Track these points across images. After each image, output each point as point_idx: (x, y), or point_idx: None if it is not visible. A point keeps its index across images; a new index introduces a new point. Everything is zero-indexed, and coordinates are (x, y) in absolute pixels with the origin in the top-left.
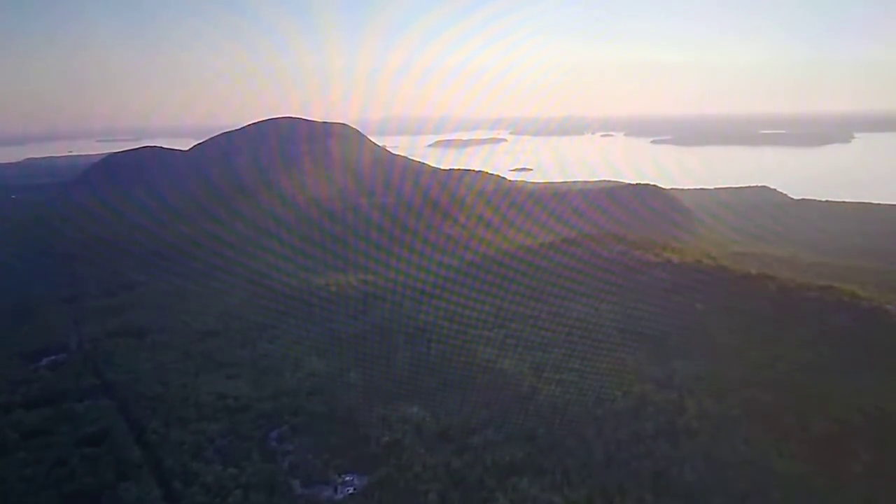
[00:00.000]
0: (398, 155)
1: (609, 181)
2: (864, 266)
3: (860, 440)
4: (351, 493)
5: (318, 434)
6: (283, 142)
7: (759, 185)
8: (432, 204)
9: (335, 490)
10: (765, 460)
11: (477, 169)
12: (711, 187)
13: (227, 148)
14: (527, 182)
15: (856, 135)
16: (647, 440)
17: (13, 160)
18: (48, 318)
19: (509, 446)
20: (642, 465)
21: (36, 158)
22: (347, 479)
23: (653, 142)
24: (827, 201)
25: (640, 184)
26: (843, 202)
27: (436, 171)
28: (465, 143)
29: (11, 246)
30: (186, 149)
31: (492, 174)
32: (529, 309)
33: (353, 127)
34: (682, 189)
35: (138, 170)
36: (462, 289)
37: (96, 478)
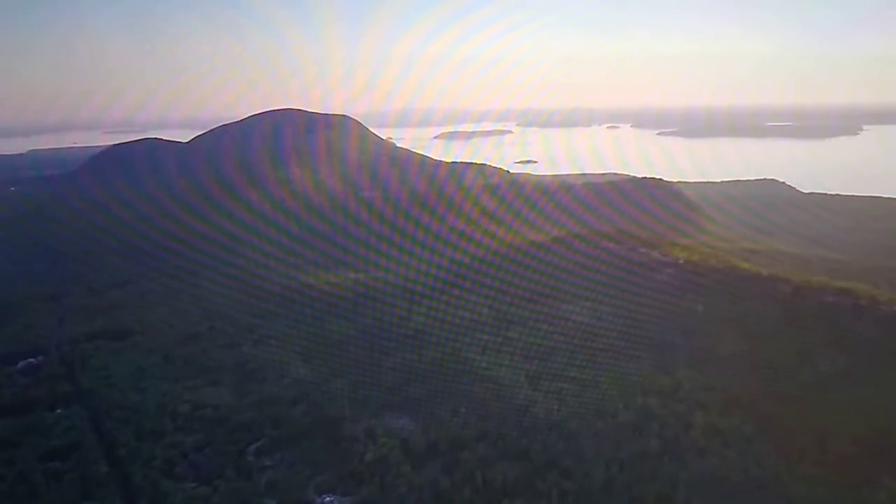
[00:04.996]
0: (401, 147)
1: (614, 174)
2: (877, 263)
3: (884, 464)
4: None
5: (299, 448)
6: (284, 134)
7: (767, 178)
8: (433, 198)
9: None
10: (779, 484)
11: (481, 161)
12: (718, 180)
13: (226, 140)
14: (531, 175)
15: (864, 127)
16: (651, 459)
17: (17, 151)
18: (30, 318)
19: (502, 464)
20: (646, 488)
21: (40, 150)
22: (328, 499)
23: (659, 133)
24: (836, 195)
25: (645, 177)
26: (853, 196)
27: (438, 163)
28: (471, 135)
29: (1, 241)
30: (187, 141)
31: (495, 167)
32: (528, 312)
33: (356, 119)
34: (689, 182)
35: (135, 163)
36: (458, 289)
37: (59, 496)
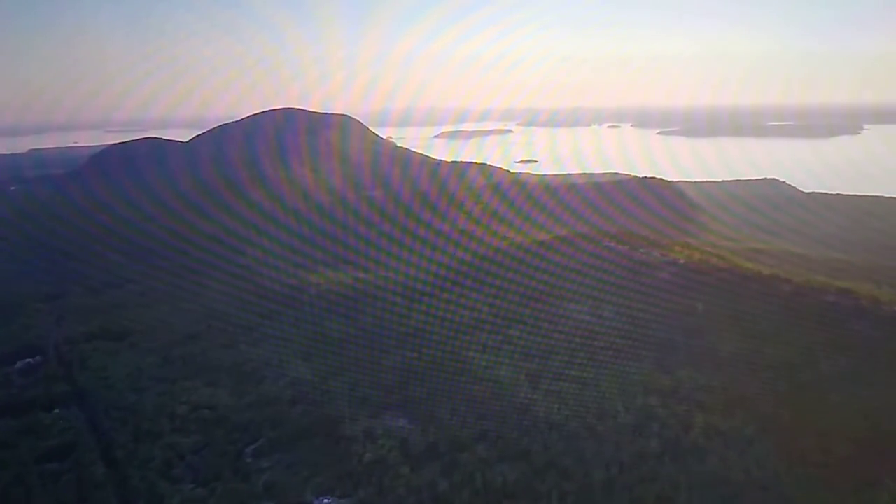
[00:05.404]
0: (402, 147)
1: (615, 173)
2: (879, 263)
3: (885, 465)
4: None
5: (297, 449)
6: (283, 133)
7: (769, 177)
8: (432, 197)
9: None
10: (781, 486)
11: (481, 161)
12: (720, 179)
13: (226, 139)
14: (532, 174)
15: (865, 126)
16: (651, 461)
17: (18, 151)
18: (29, 318)
19: (502, 465)
20: (646, 489)
21: (41, 149)
22: (326, 501)
23: (660, 133)
24: (837, 194)
25: (646, 177)
26: (854, 195)
27: (439, 163)
28: (471, 135)
29: (1, 240)
30: (186, 140)
31: (496, 167)
32: (528, 311)
33: (356, 119)
34: (690, 181)
35: (135, 162)
36: (459, 287)
37: (55, 498)
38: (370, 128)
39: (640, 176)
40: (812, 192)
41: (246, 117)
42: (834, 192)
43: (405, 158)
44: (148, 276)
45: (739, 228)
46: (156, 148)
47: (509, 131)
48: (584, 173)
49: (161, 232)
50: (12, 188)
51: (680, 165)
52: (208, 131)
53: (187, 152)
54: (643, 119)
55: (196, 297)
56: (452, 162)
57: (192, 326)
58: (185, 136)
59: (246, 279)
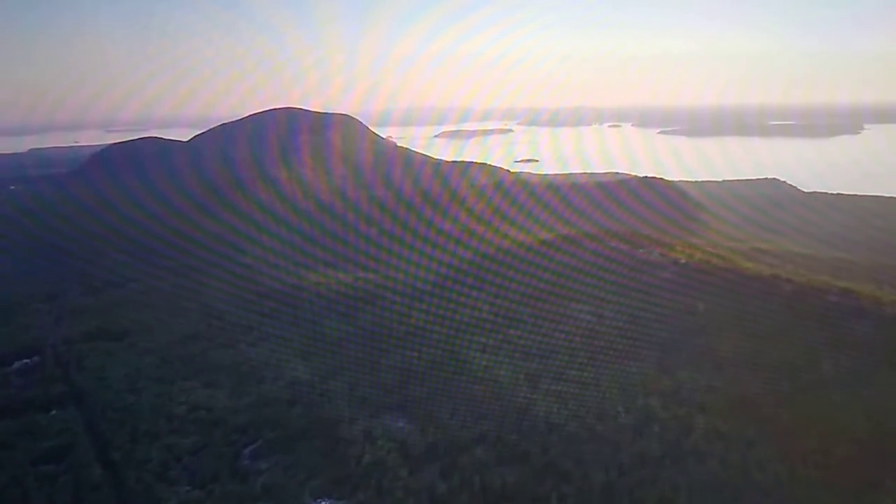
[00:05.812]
0: (402, 147)
1: (616, 172)
2: (881, 262)
3: (887, 466)
4: None
5: (295, 450)
6: (283, 132)
7: (770, 177)
8: (433, 198)
9: None
10: (782, 489)
11: (481, 161)
12: (721, 179)
13: (225, 139)
14: (532, 174)
15: (866, 126)
16: (651, 463)
17: (18, 150)
18: (28, 318)
19: (501, 468)
20: (646, 492)
21: (41, 149)
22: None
23: (661, 132)
24: (838, 194)
25: (647, 176)
26: (855, 195)
27: (439, 163)
28: (472, 134)
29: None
30: (187, 139)
31: (496, 166)
32: (528, 311)
33: (356, 118)
34: (692, 181)
35: (136, 161)
36: (460, 287)
37: (51, 500)
38: (371, 128)
39: (642, 175)
40: (813, 192)
41: (245, 117)
42: (835, 192)
43: (406, 158)
44: (149, 275)
45: (741, 228)
46: (157, 147)
47: (510, 131)
48: (586, 173)
49: (162, 230)
50: (11, 187)
51: (681, 165)
52: (207, 131)
53: (189, 151)
54: (644, 118)
55: (196, 297)
56: (454, 161)
57: (192, 326)
58: (187, 136)
59: (247, 278)
